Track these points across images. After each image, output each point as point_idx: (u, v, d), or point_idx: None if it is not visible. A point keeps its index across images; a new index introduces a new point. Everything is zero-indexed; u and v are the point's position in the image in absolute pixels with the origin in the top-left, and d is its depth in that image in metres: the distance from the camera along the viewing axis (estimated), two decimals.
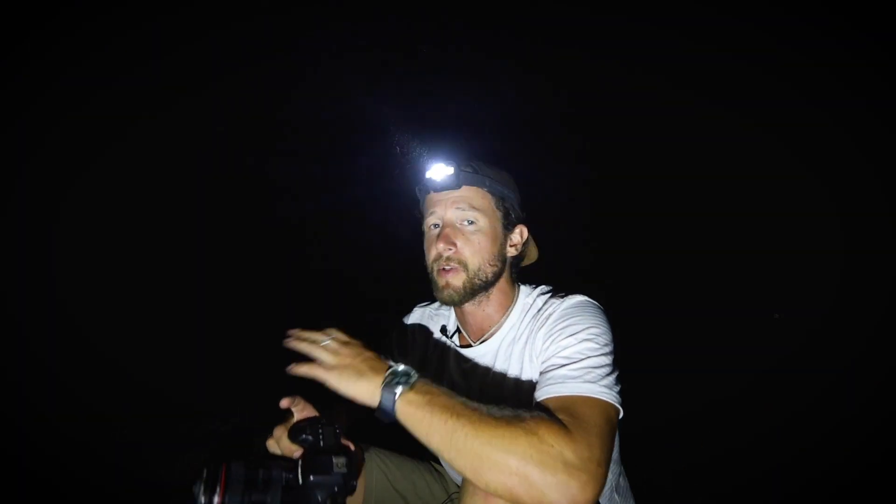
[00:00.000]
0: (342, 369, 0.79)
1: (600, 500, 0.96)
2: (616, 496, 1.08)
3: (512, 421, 0.70)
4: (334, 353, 0.82)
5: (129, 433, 2.49)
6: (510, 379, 1.04)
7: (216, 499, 0.70)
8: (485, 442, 0.68)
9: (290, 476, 0.74)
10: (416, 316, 1.33)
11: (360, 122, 4.84)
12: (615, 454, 1.05)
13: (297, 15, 4.41)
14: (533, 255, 1.24)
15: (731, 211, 4.67)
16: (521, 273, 1.23)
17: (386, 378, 0.76)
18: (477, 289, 1.07)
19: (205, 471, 0.72)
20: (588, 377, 0.84)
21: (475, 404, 0.74)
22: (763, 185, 4.63)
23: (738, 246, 4.48)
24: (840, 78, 4.13)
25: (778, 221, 4.48)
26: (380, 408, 0.75)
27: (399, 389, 0.74)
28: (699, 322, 3.82)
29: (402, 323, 1.34)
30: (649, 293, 4.20)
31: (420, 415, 0.72)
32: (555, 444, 0.68)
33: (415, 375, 0.77)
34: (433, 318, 1.29)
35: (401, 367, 0.78)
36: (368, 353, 0.82)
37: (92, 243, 3.93)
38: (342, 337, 0.85)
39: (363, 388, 0.76)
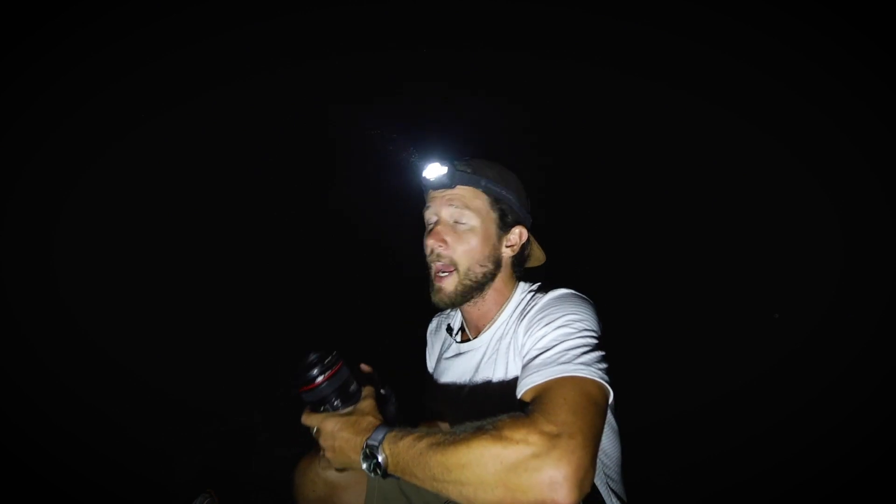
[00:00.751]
0: (332, 453, 0.87)
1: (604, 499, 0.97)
2: (613, 499, 1.09)
3: (474, 436, 0.70)
4: (325, 441, 0.87)
5: (131, 433, 2.50)
6: (497, 374, 1.06)
7: (320, 378, 0.85)
8: (458, 468, 0.68)
9: None
10: (434, 324, 1.41)
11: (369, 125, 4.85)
12: (614, 458, 1.05)
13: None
14: (539, 256, 1.25)
15: (730, 210, 4.67)
16: (528, 273, 1.23)
17: (363, 460, 0.80)
18: (468, 290, 1.09)
19: (331, 355, 0.87)
20: (562, 359, 0.83)
21: (442, 434, 0.74)
22: (762, 185, 4.63)
23: (737, 245, 4.48)
24: (839, 78, 4.13)
25: (778, 221, 4.48)
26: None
27: (378, 470, 0.78)
28: (698, 322, 3.82)
29: (426, 335, 1.42)
30: (647, 292, 4.21)
31: (407, 474, 0.75)
32: (518, 439, 0.67)
33: (382, 448, 0.78)
34: (445, 322, 1.35)
35: (367, 445, 0.80)
36: (343, 434, 0.84)
37: (92, 243, 3.95)
38: (324, 425, 0.88)
39: (358, 467, 0.83)
